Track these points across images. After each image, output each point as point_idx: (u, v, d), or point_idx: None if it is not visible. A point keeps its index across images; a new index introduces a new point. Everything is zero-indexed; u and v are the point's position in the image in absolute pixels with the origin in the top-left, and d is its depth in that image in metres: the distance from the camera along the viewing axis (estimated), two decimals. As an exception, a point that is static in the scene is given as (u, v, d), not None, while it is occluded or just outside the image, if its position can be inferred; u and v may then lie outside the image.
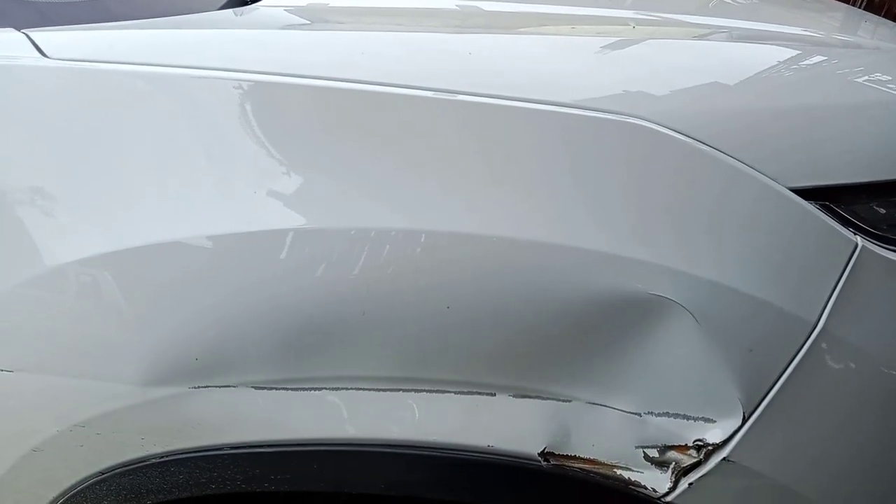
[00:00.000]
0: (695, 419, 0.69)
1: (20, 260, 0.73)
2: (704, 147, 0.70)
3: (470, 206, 0.68)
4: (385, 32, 0.98)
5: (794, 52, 0.98)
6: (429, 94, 0.71)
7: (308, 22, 1.06)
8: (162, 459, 0.77)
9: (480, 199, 0.68)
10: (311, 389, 0.72)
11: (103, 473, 0.79)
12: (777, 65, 0.91)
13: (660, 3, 1.48)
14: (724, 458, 0.68)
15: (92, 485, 0.80)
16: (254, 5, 1.06)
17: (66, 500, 0.82)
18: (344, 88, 0.74)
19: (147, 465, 0.77)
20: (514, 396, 0.72)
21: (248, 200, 0.70)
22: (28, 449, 0.79)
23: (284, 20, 1.04)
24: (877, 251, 0.72)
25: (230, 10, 1.03)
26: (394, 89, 0.72)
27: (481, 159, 0.69)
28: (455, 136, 0.71)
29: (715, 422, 0.69)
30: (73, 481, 0.81)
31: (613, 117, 0.70)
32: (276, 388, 0.72)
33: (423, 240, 0.67)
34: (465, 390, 0.72)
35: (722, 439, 0.68)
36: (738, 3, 1.61)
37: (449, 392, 0.72)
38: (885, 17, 2.73)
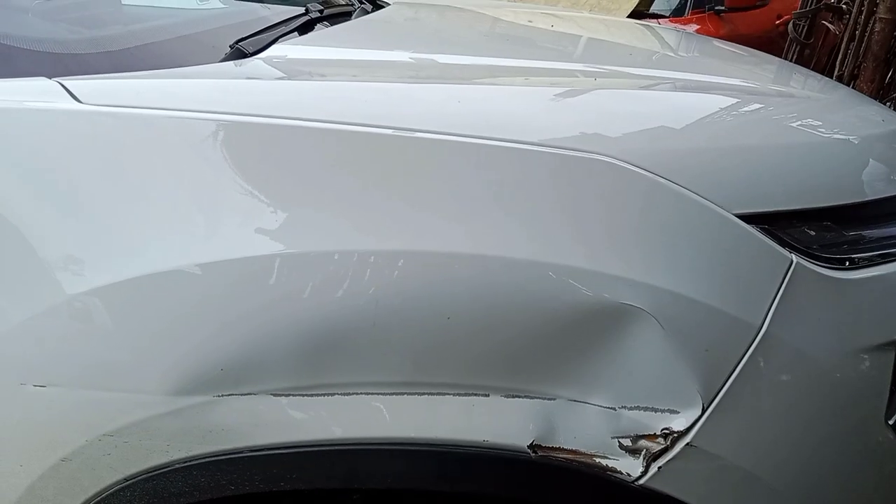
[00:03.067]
0: (662, 411, 0.79)
1: (55, 284, 0.80)
2: (665, 181, 0.82)
3: (467, 230, 0.78)
4: (366, 83, 1.09)
5: (734, 100, 1.12)
6: (429, 136, 0.83)
7: (294, 73, 1.17)
8: (185, 464, 0.83)
9: (476, 225, 0.79)
10: (325, 395, 0.80)
11: (127, 480, 0.85)
12: (720, 111, 1.05)
13: (606, 57, 1.63)
14: (687, 444, 0.78)
15: (116, 491, 0.86)
16: (250, 58, 1.16)
17: (89, 507, 0.88)
18: (345, 130, 0.84)
19: (171, 470, 0.84)
20: (505, 396, 0.81)
21: (268, 227, 0.79)
22: (57, 459, 0.84)
23: (275, 71, 1.15)
24: (808, 266, 0.84)
25: (231, 62, 1.13)
26: (396, 132, 0.84)
27: (476, 191, 0.80)
28: (451, 171, 0.82)
29: (679, 412, 0.79)
30: (98, 488, 0.86)
31: (587, 155, 0.82)
32: (294, 395, 0.80)
33: (426, 260, 0.77)
34: (463, 392, 0.81)
35: (685, 427, 0.78)
36: (679, 56, 1.77)
37: (448, 394, 0.81)
38: (812, 69, 2.96)
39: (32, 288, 0.80)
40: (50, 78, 0.90)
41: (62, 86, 0.87)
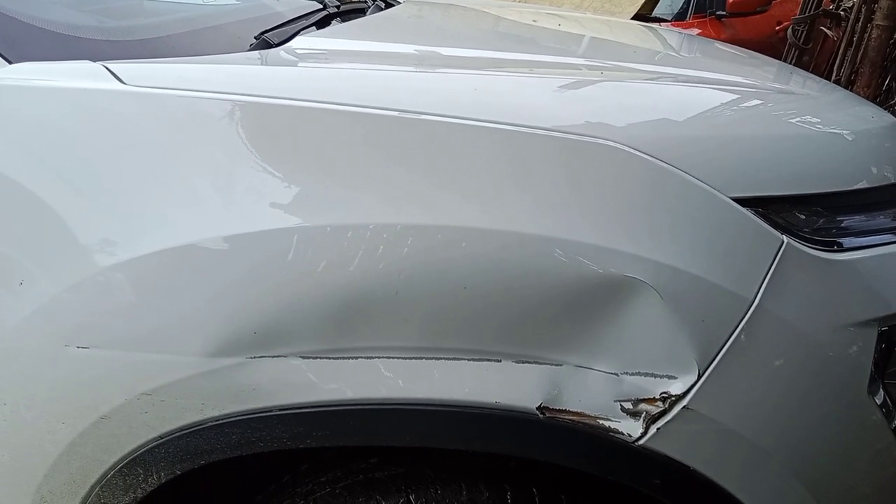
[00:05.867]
0: (661, 376, 0.85)
1: (100, 253, 0.86)
2: (667, 165, 0.89)
3: (484, 207, 0.85)
4: (387, 71, 1.15)
5: (734, 95, 1.19)
6: (450, 120, 0.89)
7: (319, 62, 1.24)
8: (218, 422, 0.88)
9: (492, 202, 0.85)
10: (349, 358, 0.86)
11: (162, 437, 0.90)
12: (720, 104, 1.12)
13: (611, 54, 1.69)
14: (684, 407, 0.84)
15: (151, 448, 0.91)
16: (276, 48, 1.23)
17: (126, 464, 0.93)
18: (372, 114, 0.90)
19: (204, 428, 0.89)
20: (516, 362, 0.87)
21: (302, 202, 0.85)
22: (97, 417, 0.90)
23: (301, 60, 1.22)
24: (798, 247, 0.90)
25: (257, 52, 1.20)
26: (418, 115, 0.90)
27: (492, 171, 0.87)
28: (469, 153, 0.88)
29: (676, 378, 0.85)
30: (134, 445, 0.91)
31: (595, 140, 0.89)
32: (320, 358, 0.86)
33: (446, 234, 0.83)
34: (477, 357, 0.87)
35: (682, 391, 0.84)
36: (682, 55, 1.84)
37: (463, 359, 0.87)
38: (811, 73, 3.03)
39: (78, 256, 0.86)
40: (95, 61, 0.96)
41: (107, 68, 0.94)
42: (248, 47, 1.23)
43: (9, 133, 0.90)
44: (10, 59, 0.95)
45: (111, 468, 0.94)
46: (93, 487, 0.95)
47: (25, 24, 1.02)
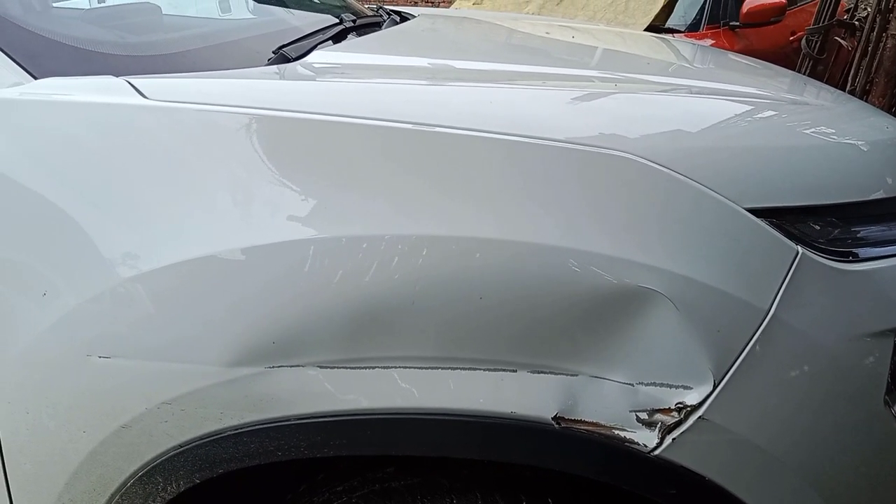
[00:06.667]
0: (676, 386, 0.85)
1: (121, 263, 0.88)
2: (681, 176, 0.89)
3: (500, 218, 0.85)
4: (403, 85, 1.16)
5: (748, 106, 1.19)
6: (465, 132, 0.90)
7: (337, 76, 1.25)
8: (236, 431, 0.90)
9: (507, 214, 0.86)
10: (366, 368, 0.87)
11: (182, 446, 0.91)
12: (734, 115, 1.12)
13: (625, 65, 1.70)
14: (699, 417, 0.84)
15: (171, 457, 0.92)
16: (293, 63, 1.25)
17: (146, 472, 0.94)
18: (389, 127, 0.92)
19: (223, 437, 0.90)
20: (531, 372, 0.88)
21: (320, 215, 0.87)
22: (118, 426, 0.91)
23: (319, 75, 1.23)
24: (814, 258, 0.90)
25: (275, 66, 1.22)
26: (435, 128, 0.91)
27: (508, 183, 0.88)
28: (485, 165, 0.89)
29: (692, 388, 0.85)
30: (154, 454, 0.92)
31: (609, 152, 0.90)
32: (338, 367, 0.87)
33: (461, 245, 0.84)
34: (492, 367, 0.87)
35: (698, 402, 0.84)
36: (695, 66, 1.84)
37: (479, 369, 0.87)
38: (825, 84, 3.02)
39: (99, 267, 0.88)
40: (117, 76, 0.98)
41: (129, 83, 0.96)
42: (267, 62, 1.25)
43: (33, 147, 0.92)
44: (35, 74, 0.97)
45: (131, 476, 0.95)
46: (112, 496, 0.97)
47: (50, 40, 1.04)
